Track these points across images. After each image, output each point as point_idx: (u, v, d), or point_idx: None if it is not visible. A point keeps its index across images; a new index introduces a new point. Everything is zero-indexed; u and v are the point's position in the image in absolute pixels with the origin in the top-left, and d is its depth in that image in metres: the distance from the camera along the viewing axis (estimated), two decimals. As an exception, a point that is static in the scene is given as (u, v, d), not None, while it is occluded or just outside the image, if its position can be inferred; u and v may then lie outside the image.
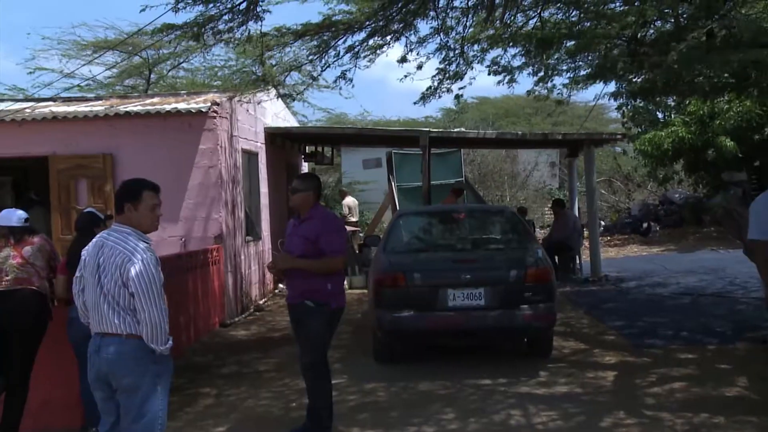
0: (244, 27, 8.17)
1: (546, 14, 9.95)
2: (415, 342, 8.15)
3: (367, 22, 8.86)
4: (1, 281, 5.82)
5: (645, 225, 22.30)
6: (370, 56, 9.72)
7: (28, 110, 11.40)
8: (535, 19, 9.91)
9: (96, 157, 10.82)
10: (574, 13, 10.03)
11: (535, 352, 8.05)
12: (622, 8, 9.62)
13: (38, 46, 39.28)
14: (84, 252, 4.20)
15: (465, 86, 11.44)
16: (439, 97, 10.98)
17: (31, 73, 21.59)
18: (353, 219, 17.81)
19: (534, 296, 7.41)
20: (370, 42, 9.43)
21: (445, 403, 6.51)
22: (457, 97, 11.50)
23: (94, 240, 4.19)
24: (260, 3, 7.94)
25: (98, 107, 11.51)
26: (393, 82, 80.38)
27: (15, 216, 6.03)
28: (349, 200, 18.58)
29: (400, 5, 8.69)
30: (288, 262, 5.66)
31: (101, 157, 10.79)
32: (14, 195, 13.27)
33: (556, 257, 13.23)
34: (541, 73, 10.73)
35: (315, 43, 9.40)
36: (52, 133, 10.89)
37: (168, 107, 10.82)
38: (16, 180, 13.46)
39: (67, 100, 13.39)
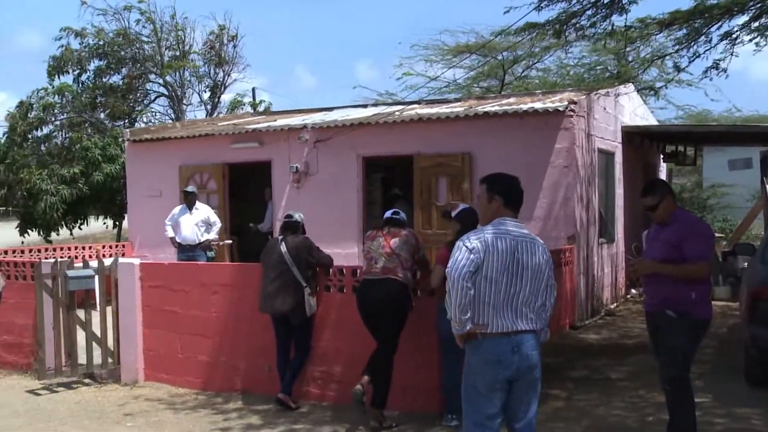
0: (607, 21, 7.89)
1: None
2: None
3: (751, 3, 7.92)
4: (371, 268, 6.32)
5: None
6: (758, 40, 8.59)
7: (397, 113, 12.32)
8: None
9: (455, 156, 11.32)
10: None
11: None
12: None
13: (405, 54, 42.56)
14: (484, 245, 4.01)
15: None
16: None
17: (399, 78, 23.55)
18: None
19: None
20: (754, 25, 8.39)
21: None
22: None
23: (495, 235, 4.05)
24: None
25: (458, 108, 12.03)
26: (755, 73, 71.10)
27: (389, 210, 6.67)
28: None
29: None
30: (650, 267, 5.31)
31: (460, 156, 11.26)
32: (382, 191, 14.48)
33: None
34: None
35: (683, 32, 8.70)
36: (417, 133, 11.63)
37: (525, 107, 10.91)
38: (384, 177, 14.66)
39: (430, 103, 14.26)
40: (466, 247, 4.02)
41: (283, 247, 6.79)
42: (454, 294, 3.98)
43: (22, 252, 12.84)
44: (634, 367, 8.03)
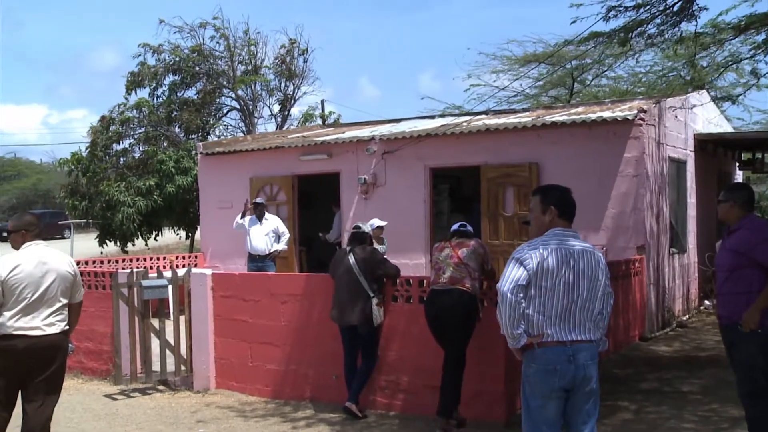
0: (676, 28, 7.74)
1: None
2: None
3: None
4: (439, 278, 6.37)
5: None
6: None
7: (464, 124, 12.34)
8: None
9: (522, 166, 11.27)
10: None
11: None
12: None
13: (468, 65, 42.52)
14: (538, 257, 4.00)
15: None
16: None
17: (466, 90, 23.55)
18: None
19: None
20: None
21: None
22: None
23: (550, 246, 4.02)
24: (696, 1, 7.47)
25: (525, 118, 11.98)
26: None
27: (456, 223, 6.74)
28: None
29: None
30: (754, 315, 4.95)
31: (527, 166, 11.21)
32: (449, 201, 14.51)
33: None
34: None
35: (762, 35, 8.44)
36: (484, 144, 11.63)
37: (593, 116, 10.80)
38: (451, 187, 14.69)
39: (498, 113, 14.23)
40: (518, 260, 4.02)
41: (351, 259, 6.90)
42: (503, 309, 3.98)
43: (101, 262, 13.34)
44: (707, 380, 7.83)
